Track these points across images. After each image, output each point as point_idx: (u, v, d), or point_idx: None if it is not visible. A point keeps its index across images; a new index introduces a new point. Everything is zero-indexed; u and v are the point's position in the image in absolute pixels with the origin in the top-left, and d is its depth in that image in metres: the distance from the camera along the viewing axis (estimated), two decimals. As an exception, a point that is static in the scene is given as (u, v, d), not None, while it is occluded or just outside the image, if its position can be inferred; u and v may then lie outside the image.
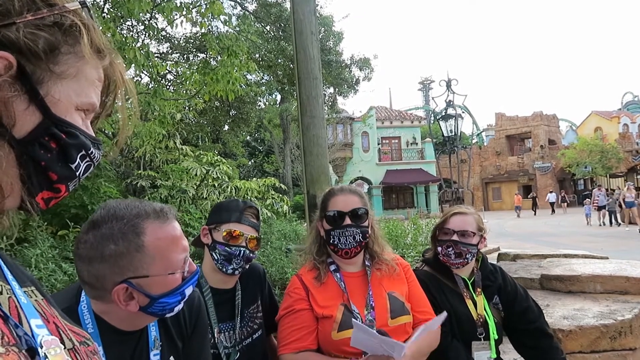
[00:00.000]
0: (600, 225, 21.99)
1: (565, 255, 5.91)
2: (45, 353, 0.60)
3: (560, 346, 2.48)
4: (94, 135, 0.72)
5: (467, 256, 2.32)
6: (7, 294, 0.64)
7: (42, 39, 0.62)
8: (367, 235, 2.04)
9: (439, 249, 2.37)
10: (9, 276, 0.67)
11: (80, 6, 0.68)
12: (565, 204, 35.56)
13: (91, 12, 0.71)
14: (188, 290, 1.21)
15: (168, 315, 1.22)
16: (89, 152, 0.70)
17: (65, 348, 0.65)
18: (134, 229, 1.14)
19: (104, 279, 1.12)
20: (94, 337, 1.19)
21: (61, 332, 0.69)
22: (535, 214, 33.94)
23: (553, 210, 35.33)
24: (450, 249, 2.31)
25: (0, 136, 0.60)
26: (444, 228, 2.39)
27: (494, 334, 2.27)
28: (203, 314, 1.56)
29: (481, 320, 2.28)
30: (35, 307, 0.67)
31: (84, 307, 1.24)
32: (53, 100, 0.64)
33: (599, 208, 22.70)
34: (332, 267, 2.05)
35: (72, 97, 0.67)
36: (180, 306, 1.22)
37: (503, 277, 2.47)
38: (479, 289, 2.37)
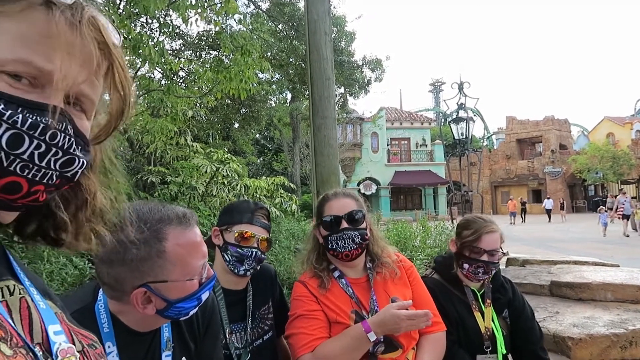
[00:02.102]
0: (626, 235, 18.90)
1: (576, 262, 5.86)
2: None
3: None
4: (25, 98, 0.56)
5: (492, 272, 2.32)
6: (20, 293, 0.62)
7: None
8: (366, 237, 2.03)
9: (466, 266, 2.30)
10: (27, 282, 0.66)
11: None
12: (564, 211, 32.76)
13: None
14: (204, 296, 1.21)
15: (183, 318, 1.23)
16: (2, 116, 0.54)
17: (78, 357, 0.64)
18: (156, 234, 1.14)
19: (123, 281, 1.13)
20: (109, 337, 1.19)
21: (73, 335, 0.68)
22: (523, 221, 31.70)
23: (550, 218, 32.30)
24: (481, 268, 2.28)
25: None
26: (474, 247, 2.29)
27: (502, 349, 2.24)
28: (216, 315, 1.56)
29: (488, 333, 2.26)
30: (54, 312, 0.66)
31: (101, 306, 1.25)
32: None
33: (624, 217, 19.59)
34: (336, 274, 2.05)
35: None
36: (195, 310, 1.22)
37: (513, 291, 2.45)
38: (488, 301, 2.34)
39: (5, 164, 0.54)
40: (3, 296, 0.60)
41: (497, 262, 2.30)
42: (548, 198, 35.06)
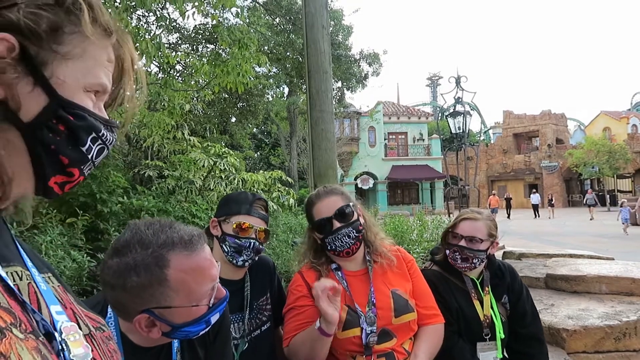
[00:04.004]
0: None
1: (571, 255, 5.89)
2: (65, 339, 0.61)
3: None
4: (106, 117, 0.70)
5: (474, 261, 2.31)
6: (27, 279, 0.64)
7: (44, 19, 0.61)
8: (360, 227, 2.02)
9: (447, 251, 2.37)
10: (29, 263, 0.68)
11: None
12: (552, 207, 30.58)
13: None
14: (214, 318, 1.17)
15: (193, 337, 1.18)
16: (100, 134, 0.68)
17: (82, 334, 0.66)
18: (157, 261, 1.09)
19: (126, 306, 1.10)
20: None
21: (78, 318, 0.70)
22: (508, 217, 29.93)
23: (536, 214, 30.61)
24: (457, 253, 2.31)
25: (6, 120, 0.59)
26: (452, 232, 2.37)
27: (500, 333, 2.28)
28: (226, 319, 1.55)
29: (487, 320, 2.30)
30: (54, 294, 0.68)
31: (111, 323, 1.24)
32: (58, 81, 0.63)
33: None
34: (334, 266, 2.06)
35: (79, 78, 0.65)
36: (206, 330, 1.18)
37: (512, 275, 2.48)
38: (487, 288, 2.37)
39: (85, 172, 0.69)
40: (14, 280, 0.62)
41: (476, 249, 2.29)
42: (534, 192, 33.43)
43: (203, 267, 1.14)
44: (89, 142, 0.66)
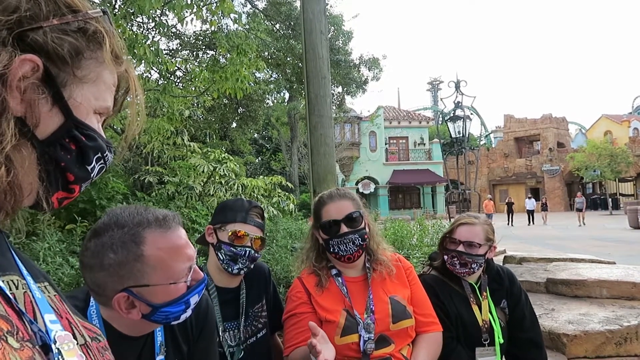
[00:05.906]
0: None
1: (572, 260, 5.88)
2: (59, 348, 0.61)
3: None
4: (105, 137, 0.74)
5: (473, 266, 2.30)
6: (23, 288, 0.65)
7: (67, 44, 0.64)
8: (366, 236, 2.03)
9: (445, 257, 2.36)
10: (24, 271, 0.68)
11: (102, 14, 0.70)
12: (545, 212, 28.79)
13: (111, 19, 0.73)
14: (193, 299, 1.18)
15: (174, 323, 1.20)
16: (104, 154, 0.72)
17: (77, 344, 0.65)
18: (133, 238, 1.12)
19: (105, 286, 1.12)
20: None
21: (73, 328, 0.69)
22: (510, 224, 27.52)
23: (531, 220, 28.32)
24: (455, 259, 2.31)
25: (23, 136, 0.62)
26: (450, 237, 2.37)
27: (499, 338, 2.27)
28: (211, 318, 1.55)
29: (486, 325, 2.29)
30: (49, 303, 0.68)
31: (93, 311, 1.25)
32: (75, 103, 0.66)
33: None
34: (334, 272, 2.06)
35: (91, 101, 0.69)
36: (188, 314, 1.19)
37: (511, 280, 2.46)
38: (484, 292, 2.37)
39: (83, 189, 0.72)
40: (10, 289, 0.62)
41: (475, 254, 2.29)
42: (529, 198, 31.25)
43: (178, 245, 1.17)
44: (94, 162, 0.70)
